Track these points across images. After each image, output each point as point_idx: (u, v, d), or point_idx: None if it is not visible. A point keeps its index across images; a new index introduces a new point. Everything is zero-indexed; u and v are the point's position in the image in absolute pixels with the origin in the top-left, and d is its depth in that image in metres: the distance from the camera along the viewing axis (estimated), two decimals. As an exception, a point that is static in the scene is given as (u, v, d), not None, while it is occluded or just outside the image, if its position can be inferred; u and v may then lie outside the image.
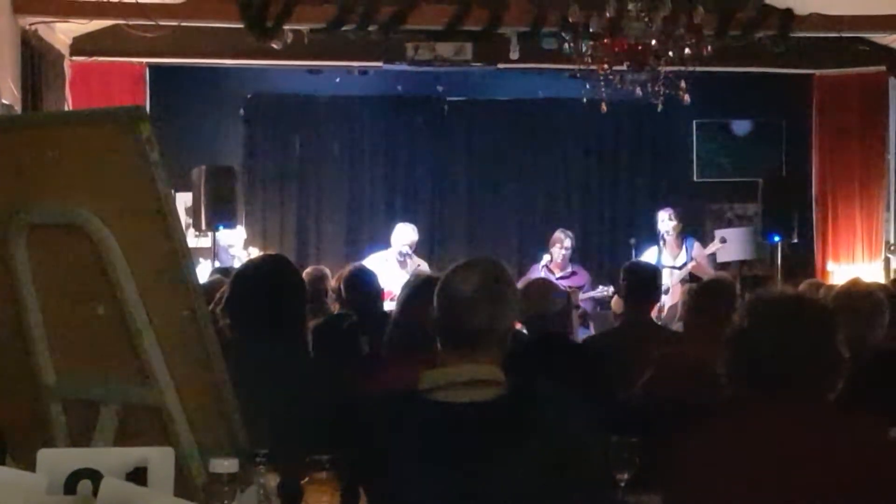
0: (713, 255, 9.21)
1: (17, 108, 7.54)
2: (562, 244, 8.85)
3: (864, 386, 3.10)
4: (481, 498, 2.46)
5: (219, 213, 8.87)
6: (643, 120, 10.51)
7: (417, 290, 3.82)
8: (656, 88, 7.64)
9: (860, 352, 3.38)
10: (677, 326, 6.70)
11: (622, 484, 2.91)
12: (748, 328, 2.55)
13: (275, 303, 3.32)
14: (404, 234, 8.88)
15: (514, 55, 8.96)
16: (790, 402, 2.46)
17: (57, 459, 2.05)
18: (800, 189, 9.79)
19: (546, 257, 8.88)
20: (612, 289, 8.49)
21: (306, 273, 6.18)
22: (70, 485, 2.01)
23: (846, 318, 2.75)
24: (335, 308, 6.17)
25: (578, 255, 9.83)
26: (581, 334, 7.38)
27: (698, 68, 7.71)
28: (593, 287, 8.97)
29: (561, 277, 8.47)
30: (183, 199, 8.78)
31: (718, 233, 9.65)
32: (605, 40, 7.33)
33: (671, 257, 8.86)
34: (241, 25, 8.16)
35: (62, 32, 8.68)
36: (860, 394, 2.80)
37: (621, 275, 5.62)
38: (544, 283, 5.44)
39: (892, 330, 4.33)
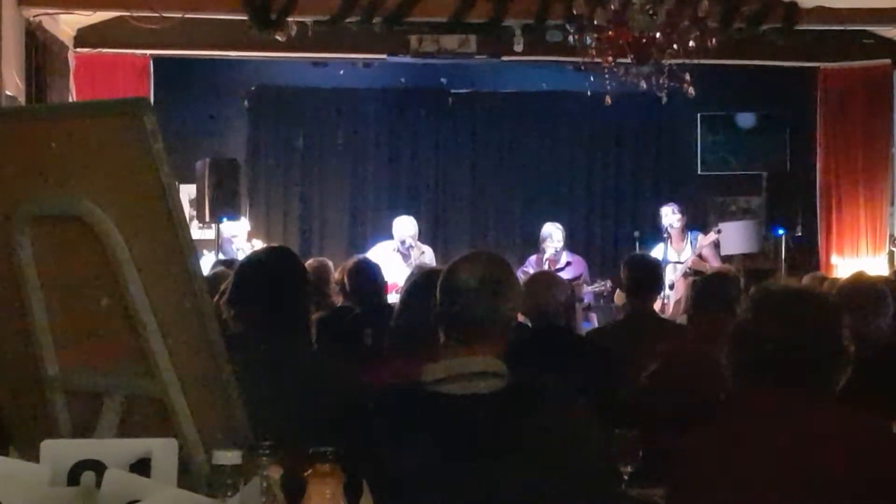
0: (718, 248, 9.19)
1: (21, 100, 7.55)
2: (552, 238, 8.77)
3: (868, 379, 3.10)
4: (483, 490, 2.46)
5: (222, 205, 8.87)
6: (647, 113, 10.46)
7: (420, 282, 3.81)
8: (661, 81, 7.62)
9: (864, 345, 3.38)
10: (682, 320, 6.68)
11: (625, 477, 2.92)
12: (752, 321, 2.55)
13: (278, 295, 3.31)
14: (403, 226, 8.86)
15: (519, 47, 8.94)
16: (793, 396, 2.46)
17: (60, 450, 2.04)
18: (804, 182, 9.79)
19: (550, 251, 8.83)
20: (609, 283, 8.45)
21: (309, 265, 6.16)
22: (73, 476, 2.01)
23: (850, 311, 2.74)
24: (338, 300, 6.17)
25: (581, 248, 9.82)
26: (585, 327, 7.38)
27: (703, 61, 7.70)
28: (592, 275, 8.92)
29: (557, 271, 8.39)
30: (187, 191, 8.79)
31: (720, 225, 9.64)
32: (610, 33, 7.31)
33: (676, 252, 8.84)
34: (245, 17, 8.16)
35: (66, 24, 8.68)
36: (864, 387, 2.80)
37: (623, 268, 5.61)
38: (547, 275, 5.46)
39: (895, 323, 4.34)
